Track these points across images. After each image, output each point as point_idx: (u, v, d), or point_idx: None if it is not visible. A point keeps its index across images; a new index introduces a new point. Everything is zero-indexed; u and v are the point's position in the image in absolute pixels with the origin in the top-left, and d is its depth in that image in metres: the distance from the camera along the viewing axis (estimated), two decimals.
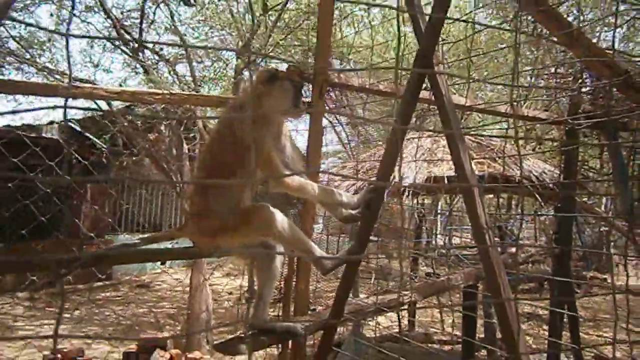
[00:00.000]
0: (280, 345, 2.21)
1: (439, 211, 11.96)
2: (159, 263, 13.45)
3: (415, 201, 8.92)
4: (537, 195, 6.09)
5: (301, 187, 2.01)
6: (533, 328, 8.41)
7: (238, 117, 1.98)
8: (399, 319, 7.59)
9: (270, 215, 1.94)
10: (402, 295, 2.35)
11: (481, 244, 1.64)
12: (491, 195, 8.51)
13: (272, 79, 2.08)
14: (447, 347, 7.60)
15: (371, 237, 2.05)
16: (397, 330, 8.19)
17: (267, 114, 2.02)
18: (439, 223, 13.94)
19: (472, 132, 6.54)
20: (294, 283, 2.29)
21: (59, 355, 6.38)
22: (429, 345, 7.37)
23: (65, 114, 3.95)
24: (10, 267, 2.14)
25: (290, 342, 2.16)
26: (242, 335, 1.92)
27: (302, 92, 2.08)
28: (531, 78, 8.17)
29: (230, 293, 10.68)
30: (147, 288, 11.30)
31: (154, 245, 2.20)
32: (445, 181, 5.52)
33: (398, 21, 1.52)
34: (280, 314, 2.42)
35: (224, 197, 1.98)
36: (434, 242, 11.44)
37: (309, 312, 2.20)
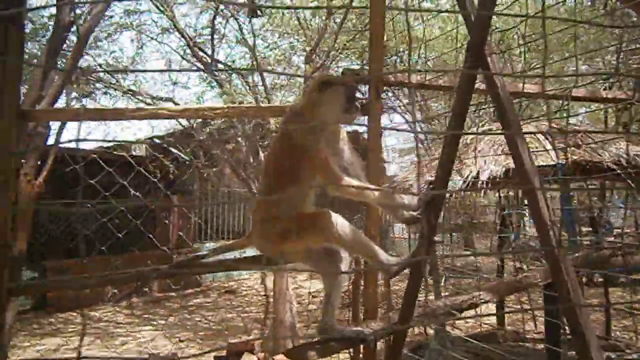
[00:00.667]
0: (352, 351, 2.21)
1: (524, 205, 11.43)
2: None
3: (497, 195, 8.59)
4: (630, 182, 5.66)
5: (360, 191, 2.00)
6: (636, 325, 7.81)
7: (291, 123, 2.00)
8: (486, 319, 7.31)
9: (331, 220, 1.94)
10: (475, 296, 2.26)
11: (546, 244, 1.53)
12: (579, 184, 7.99)
13: (324, 85, 2.09)
14: (541, 346, 7.23)
15: (436, 238, 1.99)
16: (485, 328, 7.93)
17: (322, 120, 2.03)
18: (526, 217, 13.31)
19: (554, 118, 6.18)
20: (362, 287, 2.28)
21: None
22: (520, 344, 7.05)
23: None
24: (102, 282, 2.29)
25: (361, 347, 2.15)
26: (313, 341, 1.93)
27: (356, 96, 2.06)
28: (618, 55, 7.61)
29: (314, 296, 10.78)
30: (234, 294, 11.68)
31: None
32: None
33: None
34: (350, 318, 2.40)
35: (286, 203, 2.01)
36: (520, 236, 10.92)
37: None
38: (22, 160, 3.97)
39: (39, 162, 4.46)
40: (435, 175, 1.82)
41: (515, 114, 1.71)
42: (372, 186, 2.03)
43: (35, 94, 3.83)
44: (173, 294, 11.25)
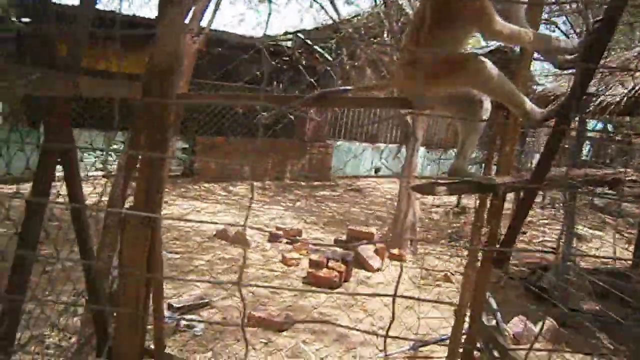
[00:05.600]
0: (478, 203, 2.22)
1: None
2: (373, 171, 14.16)
3: None
4: None
5: (514, 35, 1.90)
6: None
7: None
8: None
9: (481, 63, 1.89)
10: (622, 172, 2.08)
11: None
12: None
13: None
14: None
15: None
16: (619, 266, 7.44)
17: None
18: None
19: None
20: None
21: (282, 233, 7.33)
22: None
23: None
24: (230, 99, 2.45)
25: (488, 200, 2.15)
26: (443, 180, 1.97)
27: None
28: None
29: (439, 206, 10.80)
30: (359, 192, 12.06)
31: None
32: None
33: None
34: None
35: (434, 46, 1.99)
36: None
37: None
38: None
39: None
40: (601, 19, 1.67)
41: None
42: (529, 30, 1.92)
43: None
44: (303, 183, 11.92)
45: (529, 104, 1.94)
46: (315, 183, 12.23)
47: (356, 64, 9.20)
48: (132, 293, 1.94)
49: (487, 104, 2.03)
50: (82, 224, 1.84)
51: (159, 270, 2.06)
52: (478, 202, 2.18)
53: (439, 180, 1.92)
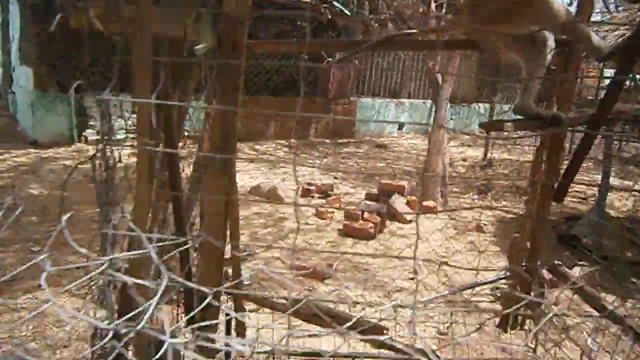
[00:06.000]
0: (538, 146, 2.28)
1: None
2: (396, 127, 14.15)
3: None
4: None
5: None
6: None
7: None
8: None
9: (548, 1, 1.92)
10: None
11: None
12: None
13: None
14: None
15: None
16: None
17: None
18: None
19: None
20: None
21: (314, 187, 7.45)
22: None
23: None
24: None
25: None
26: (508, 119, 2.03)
27: None
28: None
29: (465, 160, 10.85)
30: (385, 148, 12.09)
31: None
32: None
33: None
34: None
35: None
36: None
37: None
38: None
39: None
40: None
41: None
42: None
43: None
44: (327, 140, 12.00)
45: (596, 38, 1.98)
46: (340, 140, 12.29)
47: (382, 16, 9.03)
48: (213, 232, 2.08)
49: (551, 42, 2.07)
50: (175, 167, 1.99)
51: (236, 212, 2.19)
52: (539, 138, 2.24)
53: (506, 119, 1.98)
